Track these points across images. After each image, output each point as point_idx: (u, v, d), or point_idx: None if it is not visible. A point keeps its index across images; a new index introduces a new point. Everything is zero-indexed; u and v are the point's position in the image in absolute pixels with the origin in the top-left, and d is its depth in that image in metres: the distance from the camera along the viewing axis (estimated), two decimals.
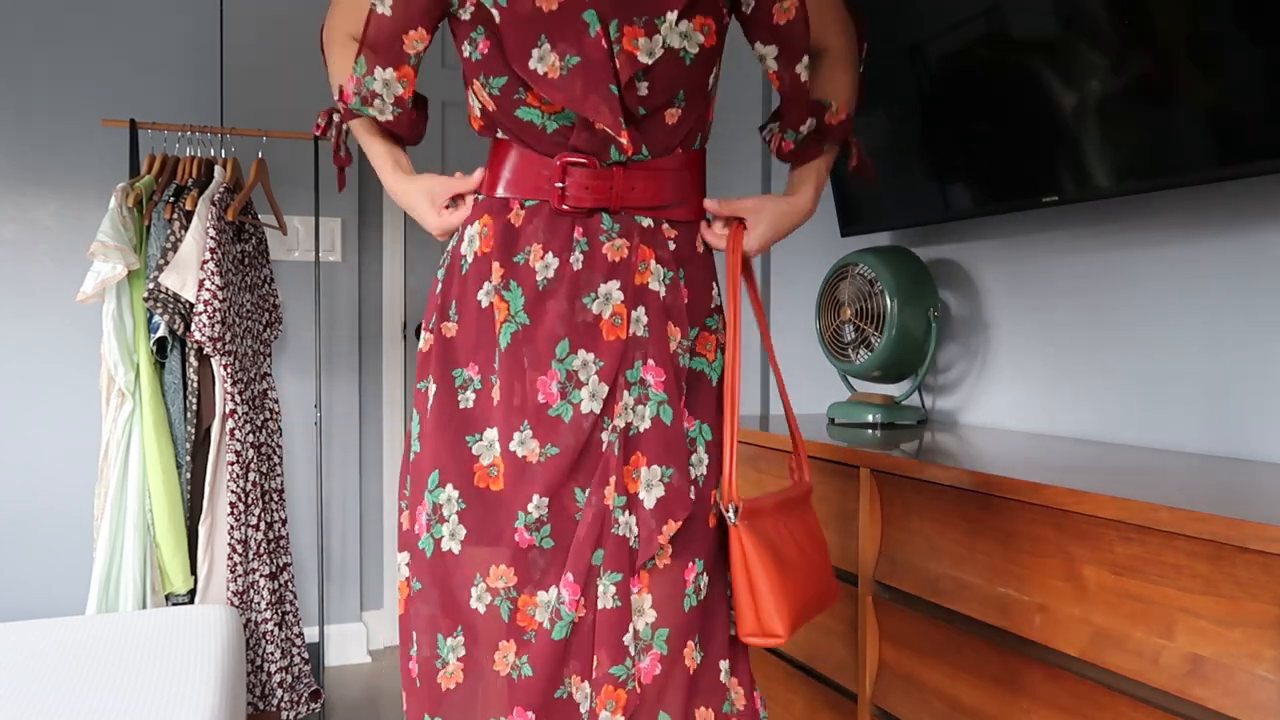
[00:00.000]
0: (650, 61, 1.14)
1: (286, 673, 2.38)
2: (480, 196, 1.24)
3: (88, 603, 2.25)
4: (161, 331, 2.29)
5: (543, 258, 1.19)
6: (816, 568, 1.26)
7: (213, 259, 2.25)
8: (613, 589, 1.15)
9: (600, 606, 1.15)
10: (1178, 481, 1.33)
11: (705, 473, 1.21)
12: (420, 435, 1.23)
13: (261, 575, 2.34)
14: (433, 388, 1.22)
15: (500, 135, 1.23)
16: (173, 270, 2.23)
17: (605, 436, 1.17)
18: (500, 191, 1.22)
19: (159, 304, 2.25)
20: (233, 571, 2.29)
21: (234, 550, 2.29)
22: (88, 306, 2.87)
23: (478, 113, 1.24)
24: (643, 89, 1.15)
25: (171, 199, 2.35)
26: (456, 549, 1.18)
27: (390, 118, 1.26)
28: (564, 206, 1.18)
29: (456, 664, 1.18)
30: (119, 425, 2.28)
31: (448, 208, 1.27)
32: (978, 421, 2.14)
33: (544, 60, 1.13)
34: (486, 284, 1.20)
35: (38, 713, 1.48)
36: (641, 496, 1.17)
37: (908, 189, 2.16)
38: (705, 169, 1.28)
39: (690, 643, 1.18)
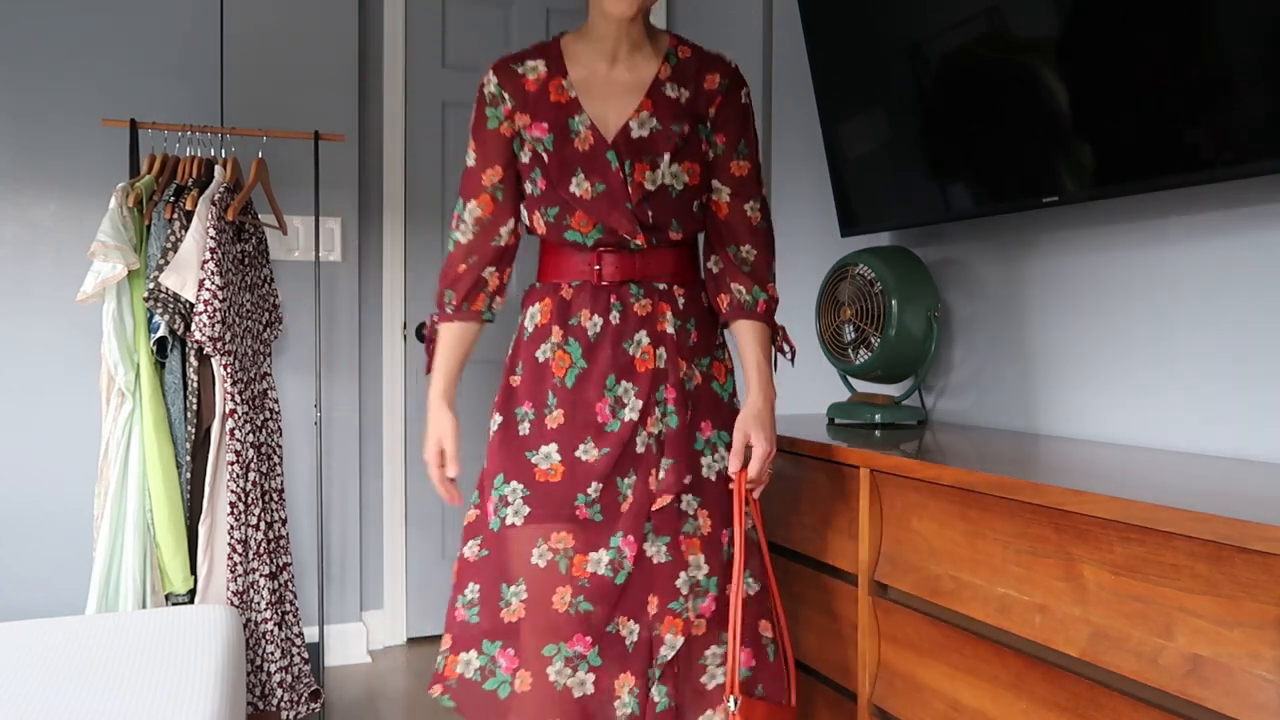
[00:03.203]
0: (653, 189, 1.61)
1: (286, 673, 2.38)
2: (536, 284, 1.71)
3: (88, 603, 2.25)
4: (161, 331, 2.29)
5: (590, 318, 1.64)
6: None
7: (213, 259, 2.25)
8: (664, 548, 1.59)
9: (655, 562, 1.58)
10: (1178, 481, 1.33)
11: (725, 467, 1.63)
12: (488, 454, 1.67)
13: (261, 575, 2.34)
14: (499, 419, 1.67)
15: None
16: (173, 270, 2.23)
17: (641, 440, 1.60)
18: (552, 279, 1.67)
19: (159, 304, 2.25)
20: (233, 571, 2.29)
21: (234, 550, 2.29)
22: (88, 306, 2.87)
23: (540, 229, 1.67)
24: (651, 213, 1.61)
25: (172, 199, 2.35)
26: (519, 522, 1.59)
27: (471, 236, 1.68)
28: (602, 282, 1.64)
29: (519, 604, 1.57)
30: (119, 425, 2.28)
31: (441, 467, 1.67)
32: (978, 421, 2.14)
33: (580, 186, 1.60)
34: (544, 344, 1.65)
35: (38, 713, 1.48)
36: (662, 476, 1.60)
37: (908, 189, 2.16)
38: (697, 250, 1.73)
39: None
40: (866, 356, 2.11)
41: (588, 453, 1.59)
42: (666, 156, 1.60)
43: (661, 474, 1.59)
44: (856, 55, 2.25)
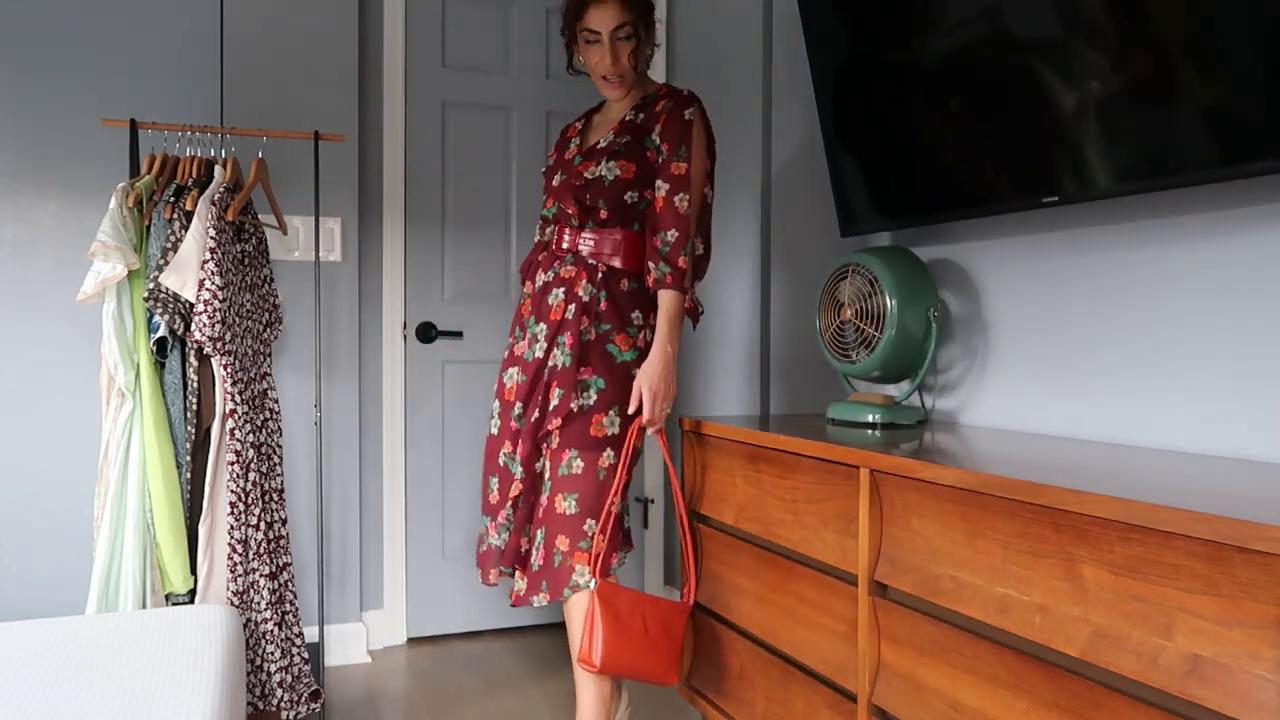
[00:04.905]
0: (591, 178, 2.21)
1: (286, 673, 2.38)
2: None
3: (88, 603, 2.25)
4: (161, 331, 2.29)
5: (540, 274, 2.30)
6: (656, 651, 2.07)
7: (213, 259, 2.25)
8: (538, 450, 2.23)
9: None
10: (1178, 481, 1.33)
11: (593, 403, 2.16)
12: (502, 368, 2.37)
13: (261, 575, 2.34)
14: (509, 341, 2.34)
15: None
16: (173, 270, 2.23)
17: (545, 372, 2.20)
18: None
19: (159, 304, 2.25)
20: (233, 571, 2.29)
21: (234, 550, 2.29)
22: (88, 307, 2.87)
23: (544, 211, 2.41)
24: (588, 196, 2.22)
25: (172, 199, 2.35)
26: (495, 432, 2.32)
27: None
28: (558, 250, 2.28)
29: (496, 491, 2.30)
30: (119, 425, 2.28)
31: None
32: (978, 421, 2.14)
33: (556, 180, 2.31)
34: (523, 292, 2.37)
35: (38, 713, 1.48)
36: (553, 404, 2.16)
37: (908, 189, 2.16)
38: (640, 243, 2.23)
39: (560, 495, 2.14)
40: (867, 356, 2.11)
41: (513, 378, 2.27)
42: (605, 157, 2.21)
43: (555, 401, 2.14)
44: (856, 55, 2.25)
